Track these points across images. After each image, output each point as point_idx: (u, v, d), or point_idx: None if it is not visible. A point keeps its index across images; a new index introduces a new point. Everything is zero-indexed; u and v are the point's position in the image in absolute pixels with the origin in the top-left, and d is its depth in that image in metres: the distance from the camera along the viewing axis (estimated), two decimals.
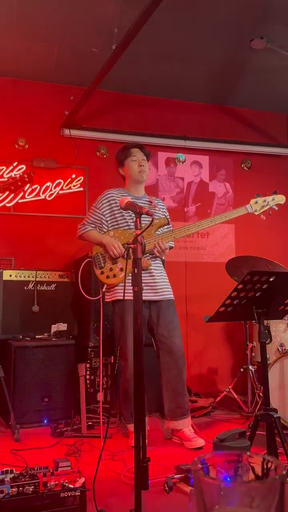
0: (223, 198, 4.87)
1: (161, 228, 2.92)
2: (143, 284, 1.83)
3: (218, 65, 4.15)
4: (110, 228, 2.93)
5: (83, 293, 3.04)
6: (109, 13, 3.33)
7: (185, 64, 4.11)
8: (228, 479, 0.65)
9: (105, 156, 4.48)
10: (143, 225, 1.88)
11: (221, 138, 4.83)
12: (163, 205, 3.13)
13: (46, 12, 3.35)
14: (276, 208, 2.83)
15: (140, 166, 2.95)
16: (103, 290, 2.89)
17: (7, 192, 3.86)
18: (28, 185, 2.97)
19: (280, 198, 2.83)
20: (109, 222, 2.94)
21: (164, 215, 3.03)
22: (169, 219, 3.02)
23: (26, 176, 2.96)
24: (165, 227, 2.94)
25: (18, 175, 2.97)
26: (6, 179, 3.07)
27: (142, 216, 1.90)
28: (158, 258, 2.97)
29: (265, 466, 0.49)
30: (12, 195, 4.05)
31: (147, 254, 2.84)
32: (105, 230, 2.94)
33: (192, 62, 4.08)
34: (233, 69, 4.24)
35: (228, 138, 4.86)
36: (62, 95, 4.37)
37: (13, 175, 2.98)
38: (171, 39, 3.71)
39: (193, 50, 3.89)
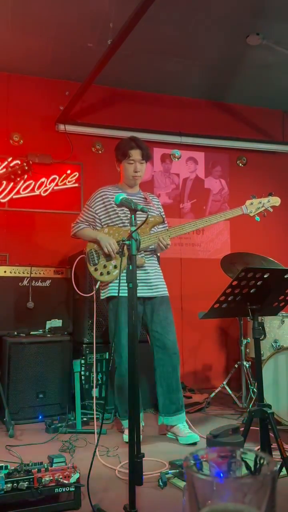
0: (219, 194, 4.87)
1: (156, 226, 2.91)
2: (137, 281, 1.83)
3: (213, 61, 4.15)
4: (104, 225, 2.93)
5: (77, 289, 3.04)
6: (104, 8, 3.31)
7: (181, 59, 4.10)
8: (221, 474, 0.65)
9: (100, 151, 4.47)
10: (138, 222, 1.88)
11: (216, 135, 4.82)
12: (158, 202, 3.12)
13: (41, 7, 3.33)
14: (271, 210, 2.84)
15: (135, 172, 2.90)
16: (96, 287, 2.89)
17: (4, 182, 3.87)
18: (26, 175, 2.98)
19: (275, 200, 2.83)
20: (102, 220, 2.93)
21: (159, 211, 3.03)
22: (164, 217, 3.01)
23: (25, 164, 2.96)
24: (160, 225, 2.94)
25: (16, 164, 2.98)
26: (4, 170, 3.08)
27: (137, 213, 1.90)
28: (153, 255, 2.97)
29: (257, 462, 0.50)
30: (7, 189, 4.04)
31: (142, 252, 2.84)
32: (99, 228, 2.93)
33: (187, 57, 4.07)
34: (228, 65, 4.24)
35: (224, 134, 4.85)
36: (57, 90, 4.35)
37: (11, 165, 3.00)
38: (167, 35, 3.70)
39: (189, 46, 3.88)
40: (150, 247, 2.88)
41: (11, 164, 3.00)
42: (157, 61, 4.11)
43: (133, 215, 1.85)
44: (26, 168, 2.94)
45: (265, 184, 4.90)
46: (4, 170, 3.04)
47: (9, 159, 4.07)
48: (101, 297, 2.93)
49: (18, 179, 2.95)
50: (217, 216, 2.85)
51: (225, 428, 1.63)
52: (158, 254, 3.09)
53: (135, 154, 2.88)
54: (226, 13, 3.44)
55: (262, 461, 0.49)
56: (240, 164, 4.97)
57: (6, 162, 4.05)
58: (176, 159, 4.73)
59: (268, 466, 0.47)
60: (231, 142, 4.87)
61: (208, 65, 4.21)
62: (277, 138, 5.09)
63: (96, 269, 2.87)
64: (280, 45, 3.81)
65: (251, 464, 0.51)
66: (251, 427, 1.94)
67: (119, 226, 2.88)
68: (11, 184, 4.00)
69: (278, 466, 1.93)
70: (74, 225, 3.02)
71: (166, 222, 3.03)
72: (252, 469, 0.49)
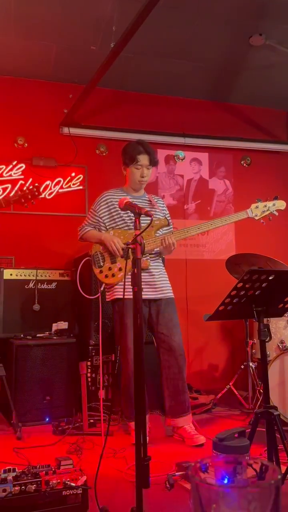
0: (223, 195, 4.87)
1: (161, 229, 2.91)
2: (142, 283, 1.84)
3: (217, 62, 4.14)
4: (109, 228, 2.93)
5: (81, 291, 3.06)
6: (107, 10, 3.33)
7: (184, 61, 4.10)
8: (227, 478, 0.66)
9: (104, 154, 4.48)
10: (142, 225, 1.89)
11: (220, 135, 4.82)
12: (163, 204, 3.12)
13: (44, 10, 3.34)
14: (277, 214, 2.83)
15: (142, 177, 2.90)
16: (101, 289, 2.90)
17: (10, 187, 3.91)
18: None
19: (280, 204, 2.82)
20: (107, 224, 2.94)
21: (164, 213, 3.03)
22: (169, 219, 3.01)
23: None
24: (165, 228, 2.94)
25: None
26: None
27: (142, 216, 1.90)
28: (158, 257, 2.98)
29: (262, 471, 0.50)
30: (12, 193, 4.06)
31: (147, 255, 2.84)
32: (104, 231, 2.94)
33: (191, 59, 4.07)
34: (232, 66, 4.24)
35: (228, 135, 4.85)
36: (61, 93, 4.37)
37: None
38: (169, 37, 3.71)
39: (192, 47, 3.88)
40: (155, 249, 2.88)
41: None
42: (160, 62, 4.11)
43: (138, 219, 1.86)
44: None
45: (269, 184, 4.89)
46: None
47: (14, 163, 4.10)
48: (106, 299, 2.94)
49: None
50: (222, 219, 2.85)
51: (231, 431, 1.63)
52: (163, 256, 3.09)
53: (143, 159, 2.88)
54: (228, 14, 3.44)
55: (266, 469, 0.49)
56: (244, 165, 4.96)
57: (11, 166, 4.08)
58: (180, 160, 4.74)
59: (272, 475, 0.48)
60: (235, 143, 4.86)
61: (211, 66, 4.21)
62: (281, 138, 5.08)
63: (101, 271, 2.88)
64: (283, 45, 3.80)
65: (256, 472, 0.51)
66: (257, 429, 1.94)
67: (124, 229, 2.89)
68: (9, 186, 4.03)
69: (285, 467, 1.93)
70: (80, 228, 3.04)
71: (171, 224, 3.03)
72: (257, 477, 0.50)
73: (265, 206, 2.80)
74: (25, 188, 3.07)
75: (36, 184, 3.11)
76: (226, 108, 4.93)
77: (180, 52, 3.95)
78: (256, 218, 2.81)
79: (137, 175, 2.90)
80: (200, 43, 3.82)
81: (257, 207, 2.81)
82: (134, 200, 2.94)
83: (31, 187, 3.06)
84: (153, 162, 2.93)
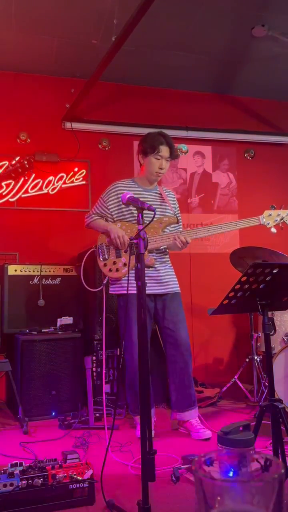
0: (227, 188, 4.85)
1: (170, 226, 2.89)
2: (148, 278, 1.83)
3: (219, 54, 4.11)
4: (116, 220, 2.92)
5: (84, 284, 3.06)
6: (108, 4, 3.30)
7: (186, 53, 4.08)
8: (232, 471, 0.66)
9: (107, 148, 4.47)
10: (147, 219, 1.88)
11: (223, 128, 4.79)
12: (174, 198, 3.08)
13: (45, 5, 3.32)
14: None
15: (160, 168, 2.86)
16: (104, 282, 2.89)
17: (12, 182, 3.87)
18: (27, 172, 2.94)
19: None
20: (115, 216, 2.92)
21: (174, 209, 3.00)
22: (179, 217, 2.99)
23: (26, 162, 2.93)
24: (174, 225, 2.92)
25: (17, 162, 2.95)
26: (5, 168, 3.04)
27: (147, 211, 1.89)
28: (165, 253, 2.96)
29: (266, 464, 0.50)
30: (16, 188, 4.07)
31: (153, 252, 2.83)
32: (111, 222, 2.93)
33: (193, 51, 4.04)
34: (234, 58, 4.20)
35: (231, 127, 4.82)
36: (63, 88, 4.35)
37: (10, 165, 2.95)
38: (171, 29, 3.68)
39: (194, 39, 3.85)
40: (162, 246, 2.87)
41: (12, 162, 2.96)
42: (162, 55, 4.09)
43: (140, 214, 1.85)
44: (27, 165, 2.91)
45: (273, 177, 4.86)
46: (5, 169, 3.00)
47: (17, 158, 4.08)
48: (110, 292, 2.93)
49: (21, 176, 2.90)
50: (232, 224, 2.83)
51: (236, 425, 1.64)
52: (167, 250, 3.08)
53: (164, 150, 2.84)
54: (230, 5, 3.40)
55: (270, 463, 0.49)
56: (248, 157, 4.93)
57: (14, 161, 4.06)
58: (183, 153, 4.72)
59: (275, 468, 0.48)
60: (238, 135, 4.83)
61: (214, 58, 4.17)
62: (285, 130, 5.04)
63: (105, 265, 2.87)
64: (286, 36, 3.76)
65: (261, 465, 0.51)
66: (262, 422, 1.94)
67: (132, 222, 2.87)
68: (12, 182, 3.99)
69: None
70: (87, 216, 3.01)
71: (181, 222, 3.01)
72: (261, 471, 0.50)
73: (278, 214, 2.77)
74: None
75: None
76: (229, 101, 4.90)
77: (182, 44, 3.92)
78: (268, 226, 2.79)
79: (156, 165, 2.86)
80: (202, 35, 3.79)
81: (270, 214, 2.77)
82: (145, 193, 2.92)
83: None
84: (173, 155, 2.89)
